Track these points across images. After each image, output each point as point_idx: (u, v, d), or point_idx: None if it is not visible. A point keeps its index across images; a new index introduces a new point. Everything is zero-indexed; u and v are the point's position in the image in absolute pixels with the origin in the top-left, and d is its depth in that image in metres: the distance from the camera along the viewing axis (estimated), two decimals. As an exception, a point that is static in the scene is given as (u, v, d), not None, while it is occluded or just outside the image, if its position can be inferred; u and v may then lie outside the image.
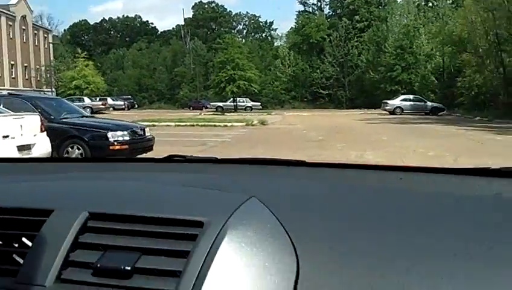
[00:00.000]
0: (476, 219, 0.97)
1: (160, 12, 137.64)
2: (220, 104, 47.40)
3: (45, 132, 8.51)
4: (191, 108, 54.66)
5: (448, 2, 53.43)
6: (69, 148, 9.68)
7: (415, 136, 16.60)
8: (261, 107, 51.40)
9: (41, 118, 8.65)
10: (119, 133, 9.86)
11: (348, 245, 0.87)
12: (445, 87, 44.22)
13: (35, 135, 8.25)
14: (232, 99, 46.76)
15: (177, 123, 22.06)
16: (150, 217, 0.93)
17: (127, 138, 9.86)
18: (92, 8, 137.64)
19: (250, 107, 49.32)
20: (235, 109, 43.29)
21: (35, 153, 8.04)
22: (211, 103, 49.62)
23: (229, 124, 21.42)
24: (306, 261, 0.84)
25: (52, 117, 10.08)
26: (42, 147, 8.30)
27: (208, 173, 1.40)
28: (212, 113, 39.67)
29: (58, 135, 9.55)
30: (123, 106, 52.08)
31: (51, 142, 8.66)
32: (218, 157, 1.55)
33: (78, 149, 9.64)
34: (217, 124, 21.57)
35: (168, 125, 21.58)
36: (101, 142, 9.69)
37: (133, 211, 0.95)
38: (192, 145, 13.48)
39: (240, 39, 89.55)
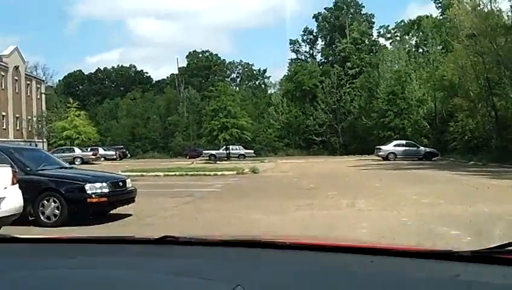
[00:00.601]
0: None
1: (156, 62, 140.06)
2: (213, 152, 47.03)
3: (17, 185, 8.04)
4: (188, 156, 54.13)
5: (438, 48, 53.97)
6: (45, 201, 9.17)
7: (408, 183, 16.21)
8: (254, 154, 50.99)
9: (13, 170, 8.19)
10: (98, 185, 9.39)
11: None
12: (438, 132, 44.23)
13: (5, 188, 7.77)
14: (224, 147, 46.52)
15: (166, 173, 21.56)
16: None
17: (106, 190, 9.39)
18: (88, 58, 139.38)
19: (244, 154, 48.95)
20: (228, 157, 42.94)
21: (4, 207, 7.56)
22: (204, 151, 49.24)
23: (220, 173, 20.98)
24: None
25: (28, 169, 9.61)
26: (13, 200, 7.81)
27: (197, 257, 1.43)
28: (204, 161, 39.29)
29: (34, 187, 9.09)
30: (114, 156, 51.59)
31: (26, 194, 8.18)
32: (208, 239, 1.61)
33: (54, 202, 9.13)
34: (207, 173, 21.15)
35: (156, 175, 21.14)
36: (79, 195, 9.21)
37: None
38: (179, 196, 13.02)
39: (234, 87, 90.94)
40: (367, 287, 1.13)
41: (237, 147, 49.59)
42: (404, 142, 39.41)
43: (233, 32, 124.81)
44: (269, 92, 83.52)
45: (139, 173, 21.15)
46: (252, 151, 51.68)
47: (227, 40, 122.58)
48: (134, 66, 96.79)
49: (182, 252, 1.52)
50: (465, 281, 1.14)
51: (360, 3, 73.38)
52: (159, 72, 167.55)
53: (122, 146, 60.98)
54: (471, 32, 32.09)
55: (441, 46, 53.35)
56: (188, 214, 9.71)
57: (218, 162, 38.50)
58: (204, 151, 49.28)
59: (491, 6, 31.69)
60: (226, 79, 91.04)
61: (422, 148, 38.63)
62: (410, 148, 38.10)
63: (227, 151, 43.70)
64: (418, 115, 48.68)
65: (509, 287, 1.14)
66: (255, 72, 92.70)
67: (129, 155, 60.33)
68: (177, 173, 21.15)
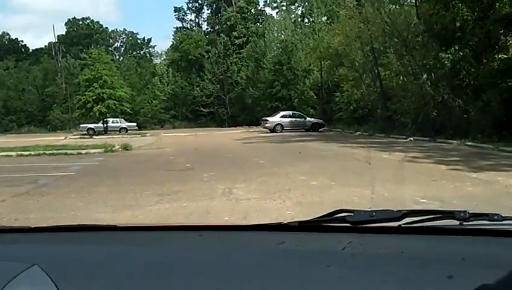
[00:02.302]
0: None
1: (36, 31, 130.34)
2: (91, 126, 43.27)
3: None
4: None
5: (324, 18, 53.54)
6: None
7: (295, 158, 14.63)
8: (137, 128, 47.88)
9: None
10: None
11: None
12: (324, 103, 43.77)
13: None
14: (104, 119, 43.06)
15: (20, 152, 18.33)
16: None
17: None
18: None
19: (125, 128, 45.57)
20: (106, 131, 39.41)
21: None
22: (81, 125, 45.19)
23: (84, 152, 18.10)
24: None
25: None
26: None
27: (3, 242, 1.42)
28: (79, 137, 35.70)
29: None
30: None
31: None
32: (32, 226, 1.58)
33: None
34: (70, 151, 18.18)
35: (8, 156, 17.92)
36: None
37: None
38: (18, 184, 10.37)
39: (117, 57, 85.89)
40: (197, 259, 1.18)
41: (118, 120, 46.12)
42: (290, 113, 38.15)
43: (119, 0, 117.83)
44: (155, 62, 79.66)
45: (-13, 154, 17.87)
46: (135, 124, 48.46)
47: (113, 8, 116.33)
48: (8, 34, 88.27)
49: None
50: (288, 249, 1.24)
51: (246, -30, 71.16)
52: (39, 41, 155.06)
53: (-16, 121, 54.61)
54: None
55: (326, 17, 53.00)
56: (8, 214, 7.26)
57: (95, 136, 35.21)
58: (81, 125, 45.30)
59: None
60: (109, 48, 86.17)
61: (309, 119, 37.70)
62: (297, 119, 37.00)
63: (105, 125, 40.11)
64: (304, 85, 47.96)
65: (329, 252, 1.19)
66: (139, 41, 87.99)
67: (-3, 130, 54.22)
68: (33, 153, 18.02)
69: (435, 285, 1.01)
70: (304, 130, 35.55)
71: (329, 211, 1.39)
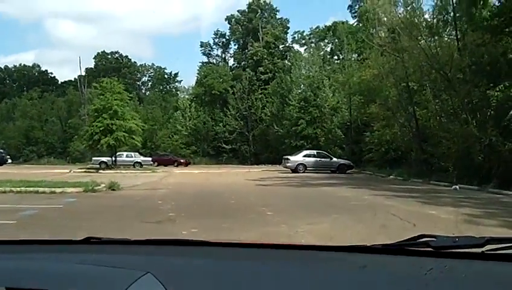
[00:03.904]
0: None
1: (72, 65, 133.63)
2: (104, 159, 40.86)
3: None
4: (155, 163, 47.37)
5: (354, 55, 50.75)
6: None
7: (314, 209, 11.45)
8: (152, 163, 45.27)
9: None
10: None
11: None
12: (353, 143, 40.45)
13: None
14: (115, 154, 40.65)
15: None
16: None
17: None
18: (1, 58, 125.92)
19: (140, 162, 43.07)
20: (113, 165, 36.63)
21: None
22: (93, 158, 42.74)
23: (59, 191, 15.15)
24: None
25: None
26: None
27: (116, 253, 1.57)
28: (84, 170, 32.98)
29: None
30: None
31: None
32: (131, 239, 1.72)
33: None
34: (42, 189, 15.22)
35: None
36: None
37: (44, 287, 1.10)
38: None
39: (144, 91, 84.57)
40: (284, 279, 1.23)
41: (132, 154, 43.70)
42: (315, 152, 34.88)
43: (153, 38, 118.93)
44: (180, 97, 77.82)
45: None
46: (150, 159, 45.91)
47: (147, 46, 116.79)
48: (39, 66, 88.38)
49: (104, 249, 1.65)
50: (372, 270, 1.27)
51: (275, 7, 69.32)
52: (70, 75, 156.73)
53: (1, 150, 52.86)
54: (390, 29, 28.51)
55: (356, 54, 50.21)
56: None
57: (102, 171, 32.52)
58: (93, 158, 42.84)
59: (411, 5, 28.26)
60: (137, 83, 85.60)
61: (335, 159, 34.38)
62: (322, 159, 33.73)
63: (113, 159, 37.41)
64: (332, 123, 44.88)
65: (412, 276, 1.20)
66: (166, 76, 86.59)
67: (10, 161, 52.24)
68: (0, 189, 15.14)
69: None
70: (329, 171, 32.29)
71: (412, 236, 1.40)
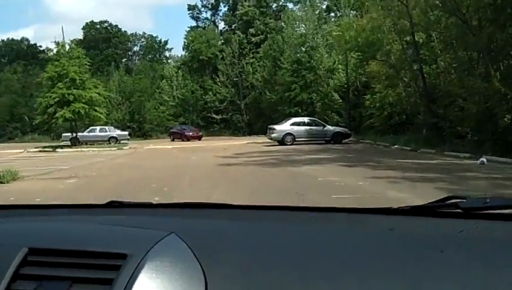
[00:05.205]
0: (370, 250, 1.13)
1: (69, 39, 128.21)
2: (78, 134, 36.47)
3: None
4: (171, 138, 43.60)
5: (352, 12, 45.58)
6: None
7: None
8: (128, 137, 40.83)
9: None
10: None
11: (253, 277, 1.03)
12: (351, 107, 35.77)
13: None
14: (90, 127, 36.41)
15: None
16: (82, 250, 1.09)
17: None
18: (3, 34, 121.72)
19: (116, 137, 38.58)
20: (74, 142, 31.93)
21: None
22: (63, 134, 38.29)
23: None
24: None
25: None
26: None
27: (139, 215, 1.56)
28: (39, 149, 28.40)
29: None
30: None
31: None
32: (153, 202, 1.70)
33: None
34: None
35: None
36: None
37: (67, 246, 1.10)
38: None
39: (136, 61, 79.96)
40: (309, 240, 1.20)
41: (106, 128, 39.18)
42: (305, 119, 29.87)
43: (154, 9, 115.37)
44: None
45: None
46: (127, 133, 41.37)
47: (148, 17, 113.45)
48: (27, 39, 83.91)
49: (127, 212, 1.63)
50: (401, 232, 1.23)
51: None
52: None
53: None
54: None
55: (354, 11, 45.08)
56: None
57: (59, 149, 28.03)
58: (63, 134, 38.41)
59: None
60: (128, 52, 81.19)
61: (329, 127, 29.41)
62: (314, 127, 28.86)
63: (73, 135, 32.73)
64: (328, 87, 40.15)
65: (443, 236, 1.18)
66: (156, 44, 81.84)
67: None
68: None
69: None
70: (323, 141, 27.70)
71: (441, 198, 1.37)
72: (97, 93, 30.07)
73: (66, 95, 28.28)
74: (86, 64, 30.54)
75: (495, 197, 1.34)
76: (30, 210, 1.83)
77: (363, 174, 11.50)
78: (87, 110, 29.16)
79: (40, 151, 27.02)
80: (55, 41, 32.17)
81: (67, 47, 30.58)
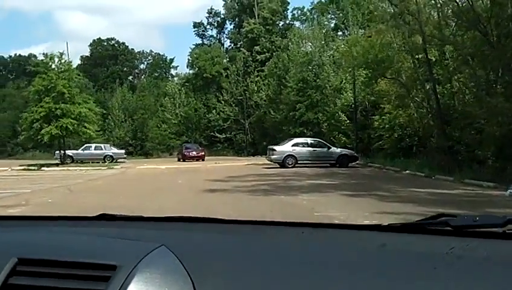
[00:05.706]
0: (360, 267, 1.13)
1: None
2: (70, 152, 34.82)
3: None
4: (180, 157, 40.28)
5: (360, 31, 43.89)
6: None
7: None
8: (125, 156, 39.08)
9: None
10: None
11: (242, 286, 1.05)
12: (358, 128, 33.84)
13: None
14: (85, 145, 34.70)
15: None
16: (71, 261, 1.09)
17: None
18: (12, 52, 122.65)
19: (111, 156, 36.81)
20: (63, 161, 30.07)
21: None
22: (56, 152, 36.55)
23: None
24: None
25: None
26: None
27: (130, 227, 1.56)
28: (23, 168, 26.49)
29: None
30: None
31: None
32: (144, 216, 1.70)
33: None
34: None
35: None
36: None
37: (57, 257, 1.11)
38: None
39: (143, 79, 79.16)
40: (300, 255, 1.22)
41: (102, 145, 37.49)
42: (308, 140, 27.87)
43: (164, 28, 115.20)
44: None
45: None
46: (123, 151, 39.55)
47: (158, 36, 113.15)
48: (35, 56, 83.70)
49: (118, 224, 1.62)
50: (392, 249, 1.23)
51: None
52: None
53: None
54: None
55: (362, 29, 43.46)
56: None
57: (45, 168, 26.18)
58: (56, 152, 36.67)
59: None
60: (135, 70, 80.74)
61: (335, 149, 27.40)
62: (317, 149, 26.93)
63: (61, 153, 30.91)
64: (335, 107, 38.34)
65: (438, 254, 1.18)
66: (162, 61, 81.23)
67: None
68: None
69: None
70: (328, 164, 25.69)
71: (431, 215, 1.39)
72: (87, 108, 28.32)
73: (54, 110, 26.55)
74: (75, 78, 28.77)
75: (484, 215, 1.32)
76: (20, 221, 1.83)
77: (370, 208, 9.52)
78: (75, 126, 27.40)
79: (24, 169, 25.24)
80: (43, 53, 30.37)
81: (56, 60, 28.78)
